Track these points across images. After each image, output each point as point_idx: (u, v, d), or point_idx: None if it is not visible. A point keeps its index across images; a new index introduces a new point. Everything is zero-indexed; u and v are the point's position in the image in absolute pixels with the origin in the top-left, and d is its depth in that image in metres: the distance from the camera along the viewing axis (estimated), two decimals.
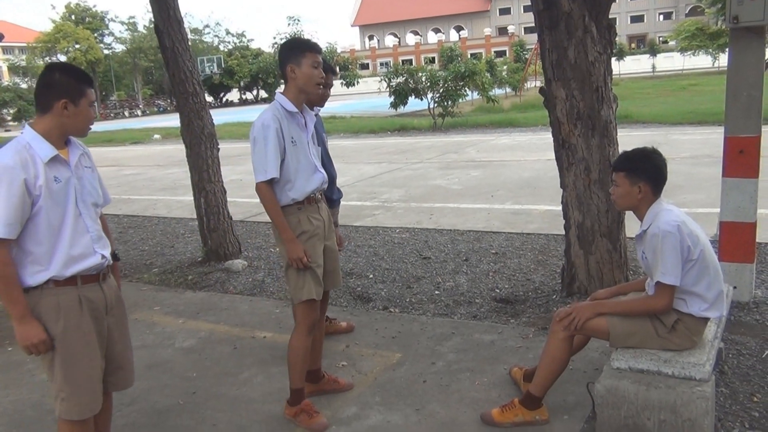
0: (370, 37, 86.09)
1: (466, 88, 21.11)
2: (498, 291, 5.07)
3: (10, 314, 2.38)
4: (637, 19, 73.93)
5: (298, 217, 3.17)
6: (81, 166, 2.52)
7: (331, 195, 4.02)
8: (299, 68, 3.08)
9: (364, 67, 68.10)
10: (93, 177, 2.59)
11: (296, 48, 3.12)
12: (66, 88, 2.41)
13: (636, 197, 2.88)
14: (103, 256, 2.54)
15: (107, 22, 59.67)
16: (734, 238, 4.32)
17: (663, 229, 2.74)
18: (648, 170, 2.86)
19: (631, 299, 2.98)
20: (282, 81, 3.22)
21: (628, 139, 12.79)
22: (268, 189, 3.08)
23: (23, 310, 2.37)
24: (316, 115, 3.99)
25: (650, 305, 2.85)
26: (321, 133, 4.00)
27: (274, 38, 51.96)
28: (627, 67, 45.67)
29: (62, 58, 51.11)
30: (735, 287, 4.19)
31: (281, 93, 3.18)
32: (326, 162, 3.97)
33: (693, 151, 11.55)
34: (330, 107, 4.63)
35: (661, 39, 64.14)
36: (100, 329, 2.53)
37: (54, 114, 2.42)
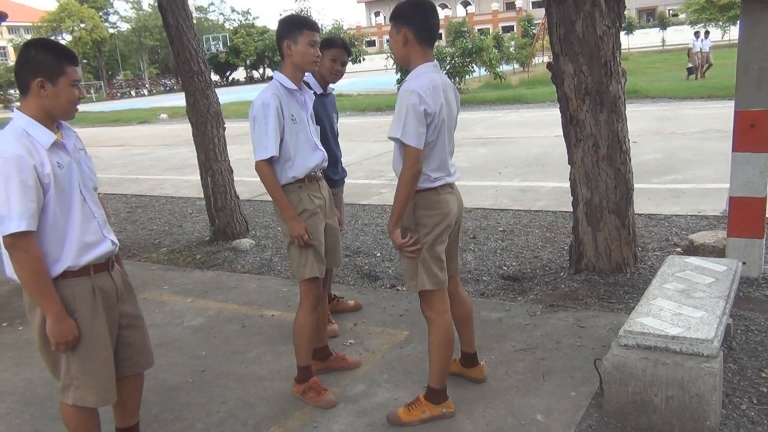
0: (376, 14, 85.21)
1: (474, 65, 20.95)
2: (505, 268, 5.06)
3: (45, 311, 2.29)
4: None
5: (299, 195, 3.16)
6: (76, 149, 2.43)
7: (333, 175, 3.96)
8: (296, 45, 3.07)
9: (371, 44, 67.52)
10: (88, 159, 2.50)
11: (294, 25, 3.12)
12: (41, 66, 2.25)
13: (401, 47, 2.81)
14: (113, 242, 2.50)
15: (111, 0, 59.33)
16: (744, 214, 4.28)
17: (407, 88, 2.69)
18: (409, 15, 2.77)
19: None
20: None
21: (637, 115, 12.74)
22: (267, 167, 3.08)
23: (59, 307, 2.29)
24: (329, 93, 3.96)
25: (403, 177, 2.72)
26: (331, 112, 3.96)
27: (281, 15, 51.40)
28: (636, 41, 45.01)
29: (67, 38, 50.89)
30: (744, 263, 4.16)
31: (279, 71, 3.18)
32: (332, 142, 3.94)
33: (702, 126, 11.44)
34: (336, 85, 4.66)
35: (671, 12, 63.15)
36: (112, 318, 2.49)
37: (33, 95, 2.27)
